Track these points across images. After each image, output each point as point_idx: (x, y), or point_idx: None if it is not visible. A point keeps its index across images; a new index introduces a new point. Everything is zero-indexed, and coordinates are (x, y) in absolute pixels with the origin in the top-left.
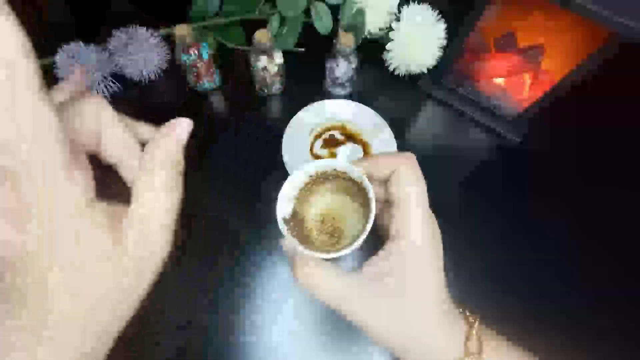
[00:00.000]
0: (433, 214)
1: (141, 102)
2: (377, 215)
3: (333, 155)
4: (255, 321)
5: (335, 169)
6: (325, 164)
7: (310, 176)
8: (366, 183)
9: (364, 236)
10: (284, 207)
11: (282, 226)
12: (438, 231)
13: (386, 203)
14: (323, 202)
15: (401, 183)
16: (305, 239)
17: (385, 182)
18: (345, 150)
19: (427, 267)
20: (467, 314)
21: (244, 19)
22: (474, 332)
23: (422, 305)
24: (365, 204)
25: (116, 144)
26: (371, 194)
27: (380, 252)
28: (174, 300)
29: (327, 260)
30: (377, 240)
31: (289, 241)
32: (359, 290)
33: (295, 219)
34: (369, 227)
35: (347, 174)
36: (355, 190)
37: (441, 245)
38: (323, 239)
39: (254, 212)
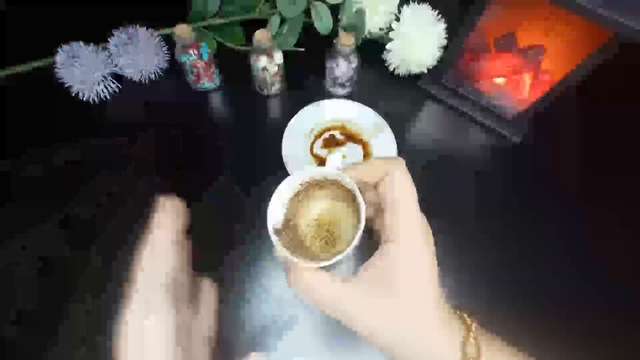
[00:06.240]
0: (424, 217)
1: (141, 102)
2: (371, 220)
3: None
4: (255, 325)
5: (324, 177)
6: (316, 172)
7: (301, 184)
8: (355, 191)
9: (354, 243)
10: (274, 215)
11: (272, 235)
12: (430, 233)
13: (379, 207)
14: (316, 209)
15: (391, 187)
16: (300, 245)
17: (376, 187)
18: (340, 153)
19: (420, 270)
20: (465, 317)
21: (244, 19)
22: (471, 335)
23: (417, 307)
24: (357, 209)
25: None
26: (361, 202)
27: (374, 256)
28: None
29: (320, 267)
30: (371, 244)
31: (280, 250)
32: (354, 294)
33: (289, 226)
34: (359, 234)
35: (338, 181)
36: (348, 196)
37: (433, 248)
38: (318, 244)
39: (254, 212)
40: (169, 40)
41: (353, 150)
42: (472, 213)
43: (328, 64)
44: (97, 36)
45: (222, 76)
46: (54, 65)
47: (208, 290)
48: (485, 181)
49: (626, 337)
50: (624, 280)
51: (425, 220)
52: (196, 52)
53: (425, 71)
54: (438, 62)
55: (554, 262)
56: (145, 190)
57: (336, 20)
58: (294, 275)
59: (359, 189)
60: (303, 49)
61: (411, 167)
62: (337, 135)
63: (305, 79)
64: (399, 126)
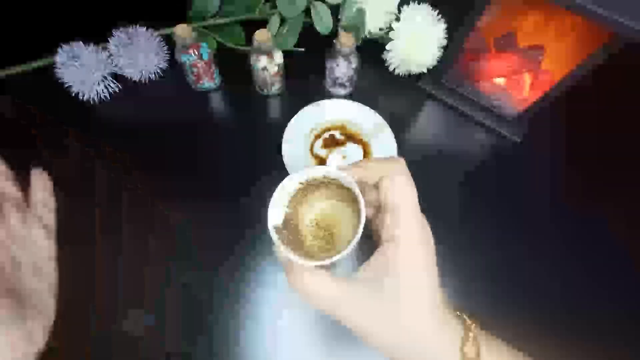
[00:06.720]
0: (424, 217)
1: (141, 102)
2: (371, 220)
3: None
4: (255, 326)
5: (325, 176)
6: (317, 171)
7: (301, 183)
8: (356, 190)
9: (354, 243)
10: (275, 214)
11: (273, 234)
12: (430, 234)
13: (379, 207)
14: (317, 208)
15: (391, 188)
16: (300, 245)
17: (377, 187)
18: (340, 152)
19: (420, 271)
20: (465, 317)
21: (244, 19)
22: (470, 335)
23: (416, 309)
24: (358, 209)
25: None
26: (361, 202)
27: (373, 257)
28: (172, 301)
29: (320, 266)
30: (371, 244)
31: (280, 249)
32: (354, 295)
33: (289, 226)
34: (359, 234)
35: (338, 181)
36: (348, 196)
37: (433, 249)
38: (318, 244)
39: (253, 213)
40: (169, 40)
41: (353, 150)
42: (471, 213)
43: (328, 64)
44: (97, 36)
45: (222, 76)
46: (54, 65)
47: (37, 182)
48: (485, 181)
49: (627, 338)
50: (623, 281)
51: (425, 220)
52: (196, 52)
53: (425, 71)
54: (438, 62)
55: (555, 262)
56: (145, 190)
57: (336, 20)
58: (293, 276)
59: (359, 188)
60: (303, 49)
61: (410, 167)
62: (337, 135)
63: (305, 79)
64: (399, 126)
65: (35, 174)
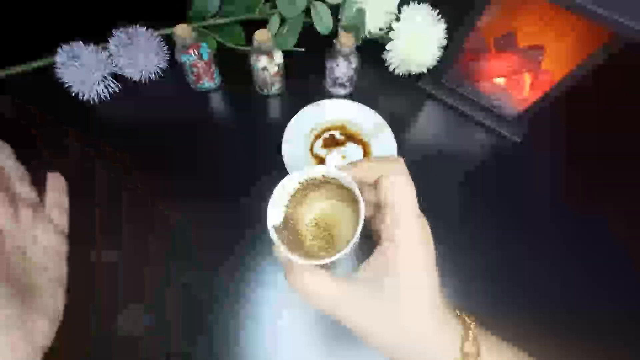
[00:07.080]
0: (424, 216)
1: (141, 102)
2: (370, 220)
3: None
4: (255, 326)
5: (324, 176)
6: (316, 171)
7: (301, 183)
8: (355, 190)
9: (353, 242)
10: (274, 214)
11: (272, 234)
12: (430, 234)
13: (379, 207)
14: (316, 208)
15: (391, 188)
16: (300, 245)
17: (376, 186)
18: (340, 152)
19: (420, 271)
20: (464, 316)
21: (244, 19)
22: (470, 334)
23: (416, 308)
24: (357, 208)
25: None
26: (360, 202)
27: (373, 257)
28: (172, 301)
29: (320, 266)
30: (371, 244)
31: (280, 249)
32: (353, 294)
33: (288, 226)
34: (358, 233)
35: (338, 180)
36: (348, 195)
37: (433, 249)
38: (318, 244)
39: (253, 212)
40: (169, 40)
41: (353, 150)
42: (471, 213)
43: (328, 64)
44: (97, 36)
45: (222, 76)
46: (54, 65)
47: (51, 183)
48: (485, 181)
49: (627, 338)
50: (622, 281)
51: (424, 220)
52: (196, 52)
53: (425, 71)
54: (438, 62)
55: (555, 262)
56: (145, 190)
57: (336, 20)
58: (293, 276)
59: (359, 188)
60: (303, 49)
61: (411, 167)
62: (337, 135)
63: (305, 79)
64: (399, 126)
65: (51, 176)
